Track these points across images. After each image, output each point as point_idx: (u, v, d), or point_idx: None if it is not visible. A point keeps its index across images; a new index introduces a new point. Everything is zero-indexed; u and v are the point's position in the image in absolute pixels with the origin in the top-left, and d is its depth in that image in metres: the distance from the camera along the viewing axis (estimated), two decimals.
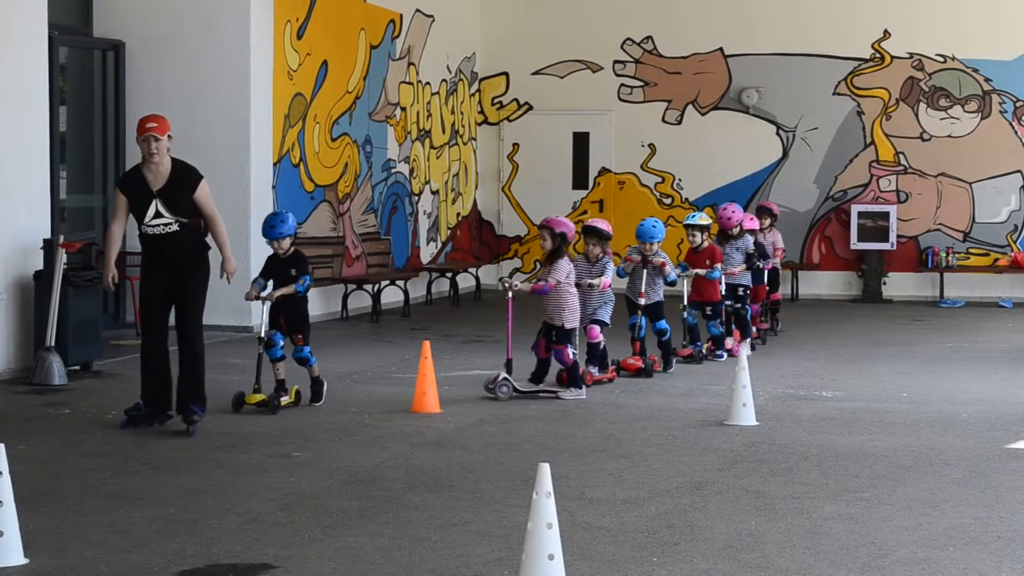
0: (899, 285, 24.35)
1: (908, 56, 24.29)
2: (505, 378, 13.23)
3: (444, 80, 24.47)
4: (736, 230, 16.94)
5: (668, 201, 24.90)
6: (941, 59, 24.20)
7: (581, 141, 25.48)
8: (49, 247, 14.62)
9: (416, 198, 23.51)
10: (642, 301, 15.03)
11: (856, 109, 24.45)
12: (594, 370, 14.15)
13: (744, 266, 16.85)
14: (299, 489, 9.42)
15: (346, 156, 21.10)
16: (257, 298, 12.69)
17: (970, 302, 23.86)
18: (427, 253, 23.93)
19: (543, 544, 6.67)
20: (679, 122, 25.11)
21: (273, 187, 19.03)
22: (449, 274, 23.46)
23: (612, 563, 7.64)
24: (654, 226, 15.28)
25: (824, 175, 24.60)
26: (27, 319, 14.64)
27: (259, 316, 13.28)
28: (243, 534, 8.19)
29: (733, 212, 17.00)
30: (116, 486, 9.49)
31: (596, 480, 9.78)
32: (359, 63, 21.40)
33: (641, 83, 25.21)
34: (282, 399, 12.51)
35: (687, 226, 16.30)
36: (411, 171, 23.28)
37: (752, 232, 17.40)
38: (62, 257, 14.35)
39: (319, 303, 20.36)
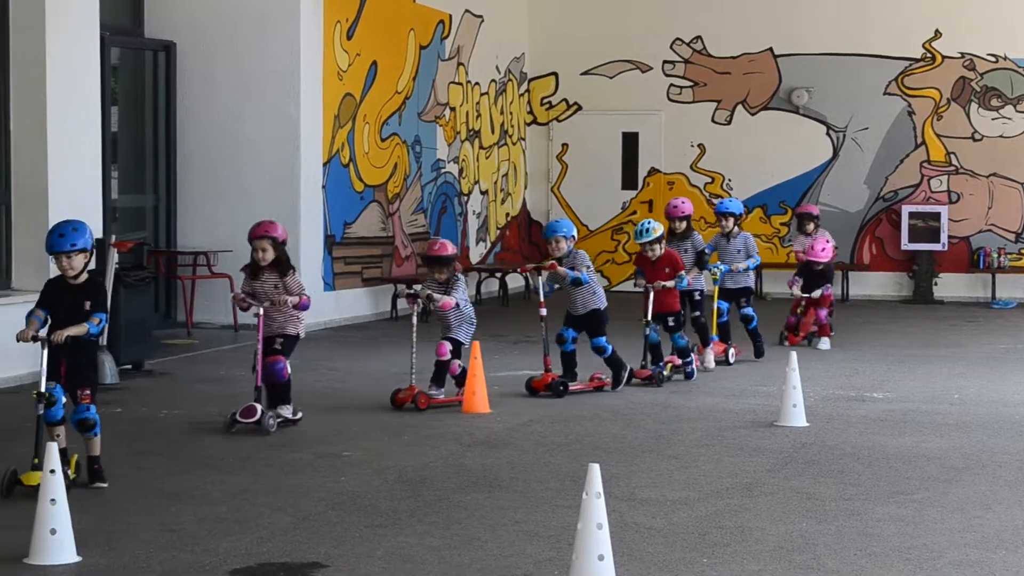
0: (950, 286, 24.20)
1: (959, 56, 24.15)
2: (263, 409, 11.49)
3: (493, 80, 24.48)
4: (682, 225, 15.52)
5: (717, 202, 24.81)
6: (993, 59, 24.05)
7: (630, 141, 25.42)
8: (101, 247, 14.68)
9: (465, 198, 23.53)
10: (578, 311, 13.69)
11: (907, 109, 24.32)
12: (436, 392, 12.86)
13: (696, 270, 15.30)
14: (349, 488, 9.44)
15: (395, 156, 21.14)
16: (35, 339, 9.33)
17: (1022, 303, 23.69)
18: (476, 253, 23.94)
19: (593, 544, 6.67)
20: (729, 122, 25.05)
21: (323, 187, 19.09)
22: (498, 274, 23.45)
23: (662, 564, 7.63)
24: (556, 222, 13.79)
25: (875, 175, 24.48)
26: None
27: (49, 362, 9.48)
28: (294, 533, 8.22)
29: (681, 202, 15.82)
30: (167, 485, 9.53)
31: (646, 480, 9.77)
32: (408, 63, 21.43)
33: (690, 83, 25.15)
34: (67, 472, 9.22)
35: (643, 244, 14.43)
36: (460, 171, 23.30)
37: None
38: (114, 257, 14.42)
39: (368, 303, 20.41)
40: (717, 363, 15.58)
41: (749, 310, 16.22)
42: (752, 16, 24.77)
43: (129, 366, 14.80)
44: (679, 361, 14.64)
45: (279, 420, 11.62)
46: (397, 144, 21.17)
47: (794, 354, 12.18)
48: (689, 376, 14.65)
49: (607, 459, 10.14)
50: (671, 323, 14.51)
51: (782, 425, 11.92)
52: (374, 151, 20.51)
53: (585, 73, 25.53)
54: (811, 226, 18.52)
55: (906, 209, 24.11)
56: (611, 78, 25.41)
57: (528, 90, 25.90)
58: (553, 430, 11.73)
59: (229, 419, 11.53)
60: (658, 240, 14.36)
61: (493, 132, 24.54)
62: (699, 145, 25.10)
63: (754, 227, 24.65)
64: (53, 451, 7.58)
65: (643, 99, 25.24)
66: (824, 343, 17.34)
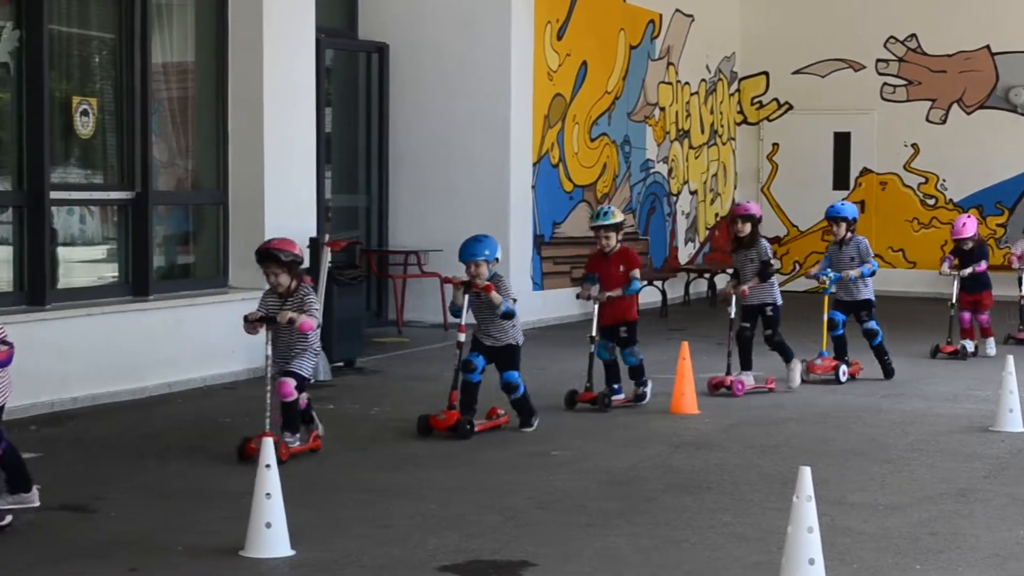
0: None
1: None
2: None
3: (703, 80, 24.38)
4: (746, 227, 13.83)
5: (932, 202, 24.42)
6: None
7: (842, 141, 25.13)
8: (315, 246, 14.94)
9: (674, 198, 23.47)
10: (487, 342, 11.56)
11: None
12: (291, 439, 10.43)
13: (757, 279, 13.68)
14: (557, 488, 9.47)
15: (605, 156, 21.16)
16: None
17: None
18: (685, 254, 23.86)
19: (803, 548, 6.60)
20: (943, 121, 24.61)
21: (532, 187, 19.18)
22: (707, 275, 23.36)
23: (873, 569, 7.53)
24: (478, 241, 11.48)
25: None
26: None
27: None
28: (502, 531, 8.27)
29: (747, 201, 14.18)
30: (378, 481, 9.66)
31: (857, 484, 9.65)
32: (618, 63, 21.43)
33: (904, 82, 24.77)
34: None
35: (596, 228, 12.99)
36: (669, 171, 23.24)
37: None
38: (327, 256, 14.65)
39: (576, 303, 20.41)
40: (824, 380, 14.28)
41: (872, 324, 14.58)
42: (969, 13, 24.30)
43: (341, 363, 15.02)
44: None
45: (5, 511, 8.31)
46: (606, 144, 21.19)
47: (1011, 358, 11.94)
48: (639, 399, 12.93)
49: (817, 462, 10.02)
50: (623, 334, 12.91)
51: (998, 430, 11.68)
52: (583, 151, 20.56)
53: (796, 72, 25.29)
54: None
55: None
56: (823, 77, 25.13)
57: (738, 89, 25.74)
58: (761, 432, 11.64)
59: None
60: (615, 228, 12.83)
61: (703, 132, 24.43)
62: (913, 145, 24.71)
63: None
64: (268, 446, 7.71)
65: (855, 98, 24.93)
66: (990, 345, 16.59)
